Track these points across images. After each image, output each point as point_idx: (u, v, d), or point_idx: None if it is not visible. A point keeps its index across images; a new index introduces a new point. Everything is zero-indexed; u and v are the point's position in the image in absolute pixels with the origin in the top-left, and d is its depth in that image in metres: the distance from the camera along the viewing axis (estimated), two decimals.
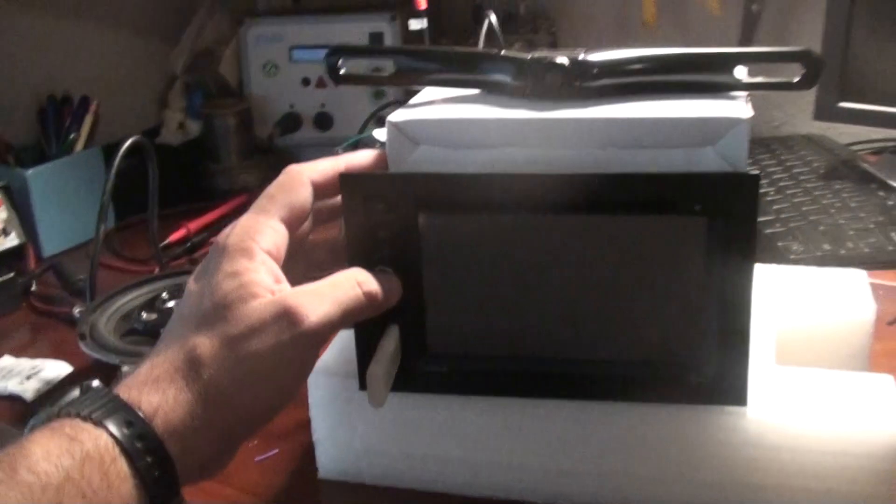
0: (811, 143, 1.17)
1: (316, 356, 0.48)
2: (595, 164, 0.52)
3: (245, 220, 0.50)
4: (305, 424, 0.62)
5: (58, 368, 0.81)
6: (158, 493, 0.42)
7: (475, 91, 0.59)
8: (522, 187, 0.52)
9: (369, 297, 0.50)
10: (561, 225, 0.53)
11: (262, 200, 0.52)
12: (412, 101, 0.60)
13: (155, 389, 0.44)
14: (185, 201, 1.18)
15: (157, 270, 0.97)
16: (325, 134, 1.29)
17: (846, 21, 0.99)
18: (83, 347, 0.70)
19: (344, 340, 0.61)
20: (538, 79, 0.55)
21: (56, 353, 0.84)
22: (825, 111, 1.03)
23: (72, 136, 1.10)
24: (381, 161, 0.57)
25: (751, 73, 0.57)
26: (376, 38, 1.26)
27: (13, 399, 0.77)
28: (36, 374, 0.80)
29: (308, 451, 0.63)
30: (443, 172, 0.53)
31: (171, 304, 0.73)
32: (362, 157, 0.56)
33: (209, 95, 1.33)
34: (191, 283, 0.49)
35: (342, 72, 0.61)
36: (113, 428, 0.42)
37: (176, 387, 0.44)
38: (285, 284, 0.48)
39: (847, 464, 0.52)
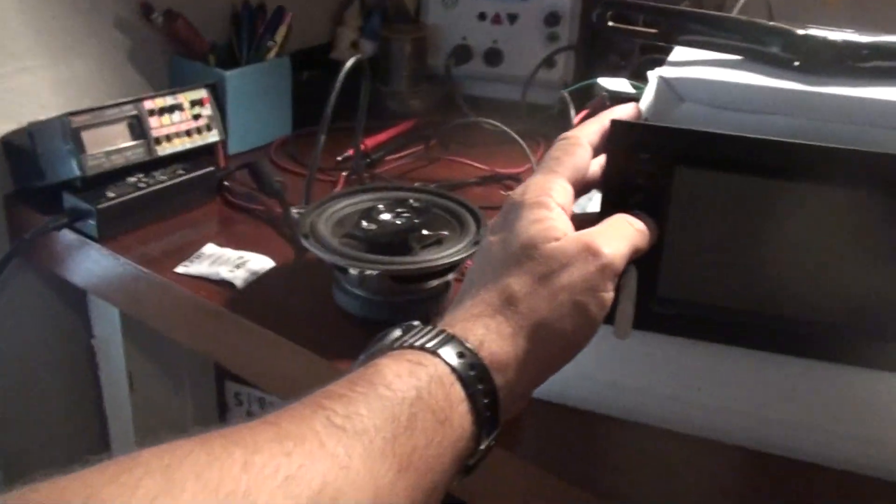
0: None
1: (613, 288, 0.52)
2: (855, 141, 0.55)
3: (538, 179, 0.55)
4: None
5: (262, 261, 0.87)
6: (486, 419, 0.47)
7: (735, 56, 0.62)
8: (780, 154, 0.54)
9: (642, 235, 0.55)
10: (811, 194, 0.55)
11: (548, 162, 0.56)
12: (672, 58, 0.63)
13: (477, 325, 0.49)
14: (353, 119, 1.22)
15: (342, 181, 1.02)
16: (494, 69, 1.31)
17: None
18: (307, 245, 0.75)
19: None
20: (810, 54, 0.58)
21: (252, 247, 0.90)
22: None
23: (269, 43, 1.14)
24: (637, 116, 0.60)
25: None
26: None
27: (224, 284, 0.84)
28: (243, 264, 0.86)
29: None
30: (705, 130, 0.56)
31: (385, 216, 0.77)
32: (622, 111, 0.60)
33: (387, 19, 1.36)
34: (490, 237, 0.54)
35: (609, 23, 0.64)
36: (448, 357, 0.46)
37: (497, 321, 0.49)
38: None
39: None
